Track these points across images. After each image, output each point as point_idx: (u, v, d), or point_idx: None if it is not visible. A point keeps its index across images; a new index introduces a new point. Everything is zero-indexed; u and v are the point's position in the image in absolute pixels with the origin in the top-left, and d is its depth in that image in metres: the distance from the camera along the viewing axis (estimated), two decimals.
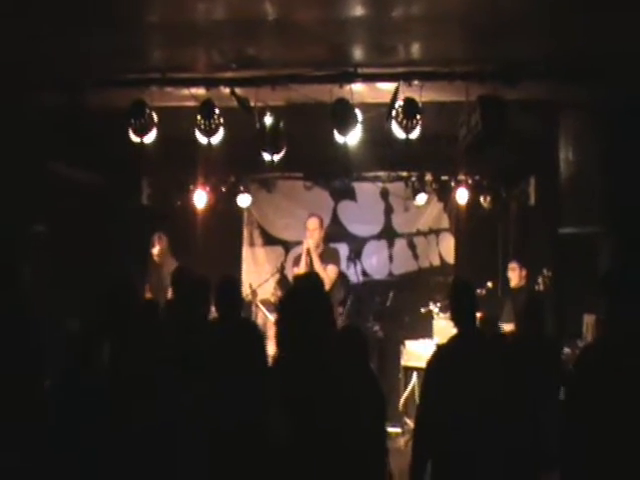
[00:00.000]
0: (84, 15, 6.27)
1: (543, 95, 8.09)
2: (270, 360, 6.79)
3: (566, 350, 7.82)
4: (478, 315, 6.74)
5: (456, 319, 5.83)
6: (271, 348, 7.36)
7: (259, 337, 6.62)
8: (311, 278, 5.45)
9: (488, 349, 5.81)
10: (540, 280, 9.45)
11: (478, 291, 9.48)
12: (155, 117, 7.97)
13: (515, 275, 9.81)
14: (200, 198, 10.70)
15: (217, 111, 7.92)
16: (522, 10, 6.18)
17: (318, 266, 9.30)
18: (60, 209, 9.01)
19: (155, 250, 10.03)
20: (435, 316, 9.69)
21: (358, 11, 6.38)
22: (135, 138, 7.99)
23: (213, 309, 6.75)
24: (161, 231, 10.15)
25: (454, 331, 5.80)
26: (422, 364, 6.47)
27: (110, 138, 8.59)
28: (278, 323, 4.29)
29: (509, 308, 9.21)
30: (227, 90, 7.81)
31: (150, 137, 8.04)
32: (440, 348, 6.08)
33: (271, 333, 9.32)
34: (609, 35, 6.55)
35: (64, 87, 7.70)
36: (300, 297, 4.19)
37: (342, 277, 9.93)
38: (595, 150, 8.11)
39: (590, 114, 8.09)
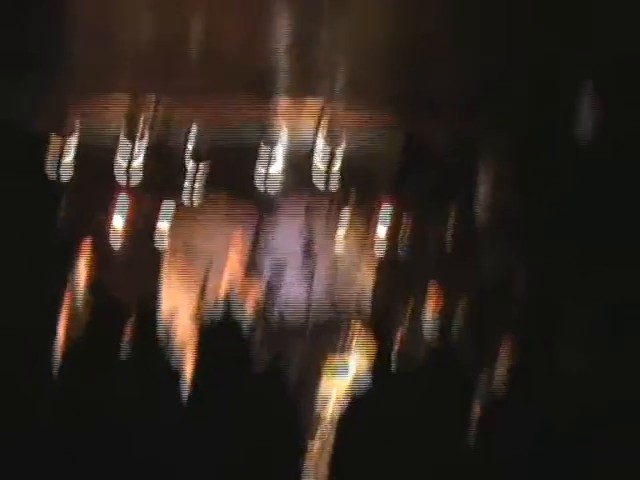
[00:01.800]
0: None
1: (463, 130, 8.15)
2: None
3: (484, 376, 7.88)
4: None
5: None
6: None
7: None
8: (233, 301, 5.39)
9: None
10: (459, 309, 9.48)
11: (401, 313, 9.48)
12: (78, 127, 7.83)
13: (433, 302, 9.83)
14: (121, 212, 10.51)
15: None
16: (443, 41, 6.24)
17: (241, 282, 9.24)
18: None
19: (84, 257, 9.84)
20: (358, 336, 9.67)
21: (283, 39, 6.37)
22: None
23: None
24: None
25: None
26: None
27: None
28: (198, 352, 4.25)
29: (430, 329, 9.24)
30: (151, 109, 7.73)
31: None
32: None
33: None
34: (527, 70, 6.65)
35: None
36: (223, 322, 4.16)
37: (264, 295, 9.88)
38: (513, 185, 8.23)
39: (508, 150, 8.19)
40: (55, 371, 6.02)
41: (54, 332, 8.97)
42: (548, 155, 7.23)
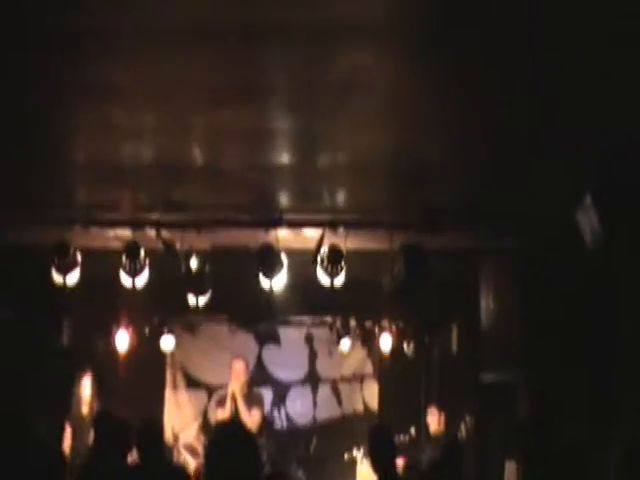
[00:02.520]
0: (6, 153, 6.07)
1: (464, 243, 8.09)
2: None
3: None
4: (400, 461, 6.58)
5: (374, 467, 5.70)
6: None
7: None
8: (237, 423, 5.29)
9: None
10: (462, 426, 9.34)
11: (401, 437, 9.34)
12: (79, 257, 7.66)
13: (434, 420, 9.70)
14: (122, 339, 10.40)
15: (142, 253, 7.71)
16: (442, 161, 6.25)
17: (243, 410, 9.09)
18: None
19: (85, 384, 9.69)
20: (359, 462, 9.52)
21: (284, 159, 6.27)
22: (58, 278, 7.78)
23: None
24: (87, 371, 9.87)
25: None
26: None
27: (31, 276, 8.38)
28: (206, 468, 4.11)
29: (429, 454, 9.07)
30: (153, 232, 7.66)
31: (73, 278, 7.73)
32: None
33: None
34: (525, 187, 6.68)
35: None
36: (228, 441, 4.01)
37: (265, 422, 9.70)
38: (514, 297, 8.16)
39: (509, 262, 8.17)
40: None
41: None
42: (555, 271, 7.21)
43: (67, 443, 9.26)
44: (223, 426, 5.15)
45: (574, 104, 4.96)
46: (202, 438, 10.41)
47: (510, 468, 8.03)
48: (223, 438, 4.08)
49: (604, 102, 4.91)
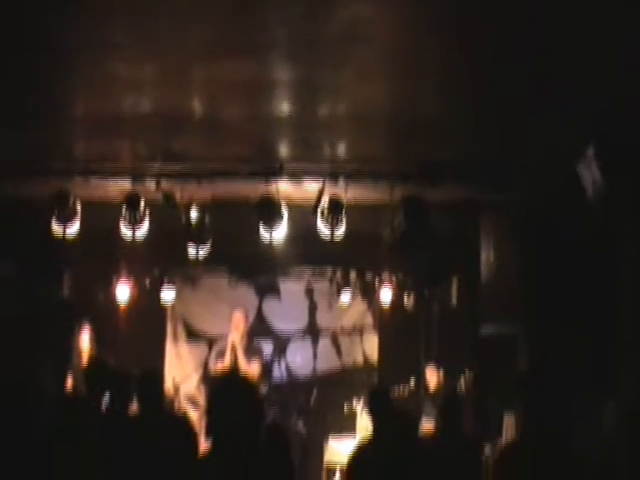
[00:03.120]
0: (7, 105, 6.05)
1: (464, 196, 8.03)
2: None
3: (487, 450, 7.76)
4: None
5: (373, 424, 5.82)
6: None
7: (186, 431, 6.43)
8: (239, 374, 5.37)
9: (403, 449, 5.75)
10: (462, 380, 9.44)
11: (400, 391, 9.44)
12: (79, 208, 7.66)
13: (433, 379, 9.77)
14: (123, 292, 10.48)
15: (142, 204, 7.67)
16: (442, 113, 6.25)
17: (242, 361, 9.17)
18: None
19: (84, 337, 9.77)
20: (359, 413, 9.59)
21: (284, 109, 6.24)
22: (58, 229, 7.78)
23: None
24: (86, 324, 9.95)
25: None
26: (345, 461, 6.37)
27: (32, 228, 8.43)
28: (208, 418, 4.19)
29: (429, 407, 9.17)
30: (153, 183, 7.61)
31: (73, 229, 7.72)
32: (359, 447, 6.00)
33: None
34: (526, 139, 6.69)
35: None
36: (231, 390, 4.09)
37: (264, 373, 9.80)
38: (514, 250, 8.18)
39: (509, 215, 8.18)
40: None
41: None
42: (555, 223, 7.23)
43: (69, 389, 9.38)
44: (225, 377, 5.24)
45: (574, 55, 4.91)
46: (202, 389, 10.51)
47: (509, 420, 8.14)
48: (225, 388, 4.15)
49: (604, 53, 4.91)
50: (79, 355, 9.62)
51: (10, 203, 7.68)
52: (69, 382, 9.42)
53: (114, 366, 7.35)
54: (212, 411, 4.05)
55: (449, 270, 10.05)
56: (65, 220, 7.70)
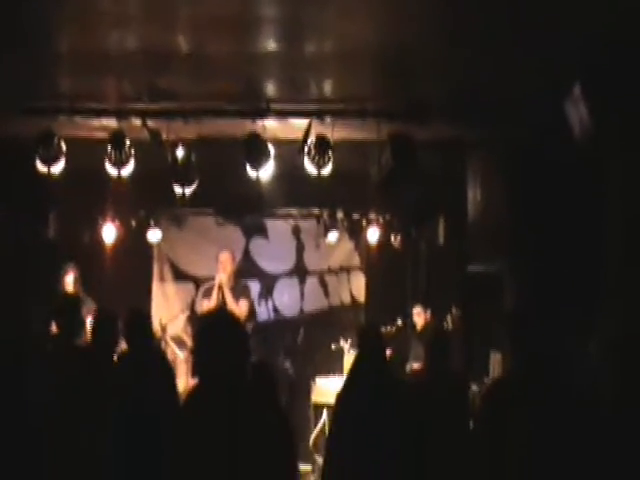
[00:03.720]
0: None
1: (451, 135, 8.06)
2: (182, 393, 6.74)
3: (474, 387, 7.90)
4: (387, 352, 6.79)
5: (362, 357, 5.90)
6: (180, 384, 7.31)
7: (168, 369, 6.56)
8: (226, 311, 5.44)
9: (391, 386, 5.86)
10: (449, 319, 9.56)
11: (388, 329, 9.56)
12: (64, 147, 7.61)
13: (420, 319, 9.84)
14: (109, 232, 10.34)
15: (128, 143, 7.62)
16: (428, 50, 6.21)
17: (230, 301, 9.22)
18: None
19: (69, 279, 9.83)
20: (346, 352, 9.68)
21: (270, 46, 6.19)
22: (42, 168, 7.68)
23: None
24: (71, 265, 9.99)
25: None
26: (332, 401, 6.46)
27: (16, 168, 8.41)
28: (195, 354, 4.22)
29: (417, 346, 9.29)
30: (138, 122, 7.54)
31: (58, 168, 7.61)
32: (346, 384, 6.11)
33: (180, 369, 9.29)
34: (513, 76, 6.71)
35: None
36: (218, 328, 4.13)
37: (251, 312, 9.90)
38: (500, 189, 8.22)
39: (496, 153, 8.22)
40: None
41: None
42: (541, 162, 7.26)
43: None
44: (211, 314, 5.28)
45: None
46: (189, 330, 10.58)
47: (495, 358, 8.26)
48: (211, 326, 4.20)
49: None
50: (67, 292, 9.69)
51: None
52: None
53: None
54: (198, 348, 4.09)
55: (436, 209, 10.12)
56: (50, 159, 7.68)
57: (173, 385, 6.42)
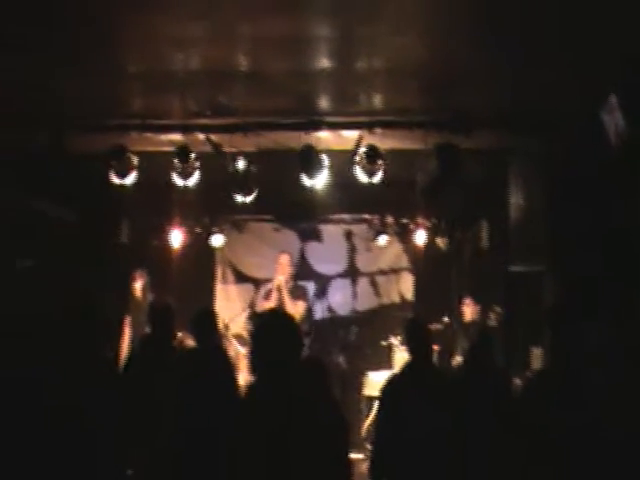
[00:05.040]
0: (71, 62, 6.14)
1: (494, 143, 8.08)
2: (242, 389, 6.76)
3: (516, 381, 7.79)
4: (434, 347, 6.73)
5: (410, 351, 5.84)
6: (242, 378, 7.32)
7: (228, 365, 6.57)
8: (282, 311, 5.44)
9: (437, 379, 5.79)
10: (491, 315, 9.46)
11: (435, 326, 9.49)
12: (135, 161, 7.85)
13: (469, 310, 9.81)
14: (176, 238, 10.43)
15: (193, 155, 7.80)
16: (473, 64, 6.22)
17: (288, 301, 9.26)
18: (44, 246, 8.89)
19: (137, 284, 9.93)
20: (395, 348, 9.64)
21: (324, 63, 6.30)
22: (116, 180, 7.90)
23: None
24: (141, 269, 10.11)
25: None
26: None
27: (92, 180, 8.55)
28: (251, 353, 4.22)
29: (462, 341, 9.21)
30: (202, 136, 7.71)
31: (130, 179, 7.86)
32: (393, 376, 6.05)
33: (242, 365, 9.30)
34: (553, 87, 6.64)
35: (49, 129, 7.55)
36: (272, 327, 4.12)
37: (308, 312, 9.91)
38: (540, 193, 8.14)
39: (537, 162, 8.14)
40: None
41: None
42: (579, 168, 7.16)
43: (126, 332, 9.58)
44: (265, 314, 5.26)
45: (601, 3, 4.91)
46: (250, 328, 10.63)
47: (536, 353, 8.17)
48: (265, 325, 4.20)
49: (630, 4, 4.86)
50: (135, 297, 9.80)
51: (73, 156, 7.77)
52: (127, 322, 9.61)
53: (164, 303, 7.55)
54: (253, 347, 4.09)
55: (480, 213, 10.04)
56: (122, 172, 7.83)
57: (234, 379, 6.41)
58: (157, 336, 6.60)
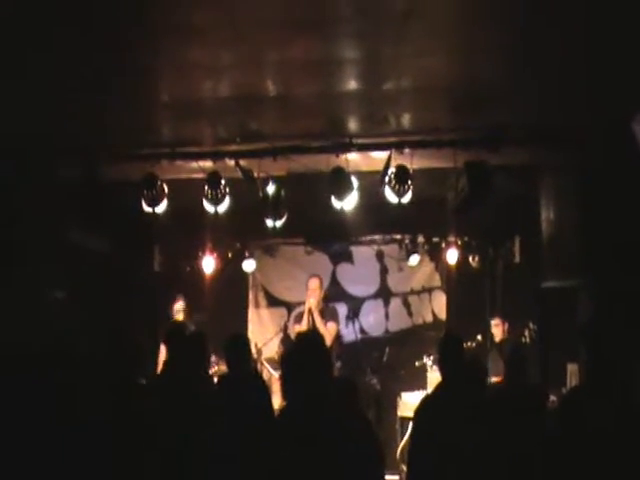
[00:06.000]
0: (102, 92, 6.20)
1: (524, 160, 8.05)
2: (277, 410, 6.74)
3: (552, 398, 7.72)
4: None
5: (442, 368, 5.79)
6: (276, 402, 7.31)
7: (264, 389, 6.56)
8: (312, 334, 5.43)
9: (472, 397, 5.73)
10: (526, 333, 9.40)
11: (468, 344, 9.43)
12: (166, 189, 7.91)
13: (498, 330, 9.59)
14: (208, 264, 10.39)
15: (223, 182, 7.84)
16: (501, 81, 6.16)
17: (319, 323, 9.25)
18: (78, 276, 8.97)
19: (178, 306, 10.00)
20: (429, 369, 9.56)
21: (352, 86, 6.33)
22: (147, 208, 7.96)
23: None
24: (178, 294, 10.17)
25: None
26: None
27: (125, 209, 8.62)
28: (281, 377, 4.23)
29: (496, 360, 9.14)
30: (232, 162, 7.74)
31: (161, 207, 7.92)
32: (427, 396, 6.01)
33: (276, 388, 9.30)
34: (584, 103, 6.61)
35: (80, 159, 7.66)
36: (303, 351, 4.13)
37: (341, 335, 9.91)
38: (573, 209, 8.08)
39: (568, 177, 8.09)
40: None
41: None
42: (612, 181, 7.10)
43: (161, 358, 9.59)
44: (302, 336, 5.25)
45: (632, 21, 4.88)
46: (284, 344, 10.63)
47: (572, 369, 8.08)
48: (301, 346, 4.20)
49: None
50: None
51: (105, 185, 7.85)
52: (162, 347, 9.62)
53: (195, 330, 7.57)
54: (283, 372, 4.09)
55: (511, 230, 9.99)
56: (154, 200, 7.90)
57: (269, 402, 6.41)
58: (191, 364, 6.61)
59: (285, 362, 4.20)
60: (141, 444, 4.99)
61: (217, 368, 8.79)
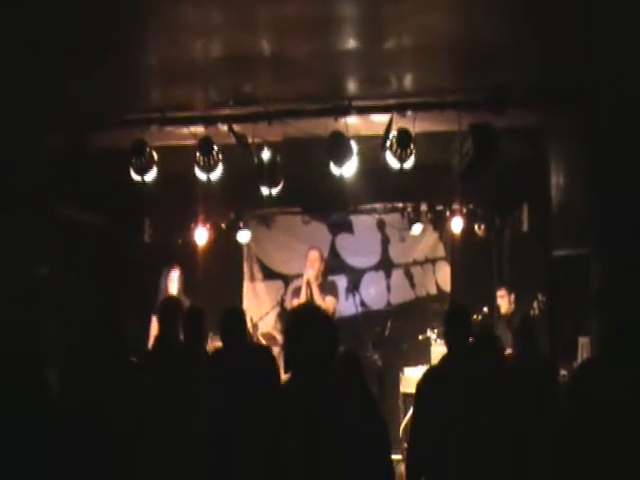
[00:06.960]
0: (86, 57, 6.10)
1: (531, 122, 7.92)
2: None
3: (563, 372, 7.76)
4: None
5: (448, 340, 5.78)
6: None
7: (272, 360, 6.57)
8: (315, 306, 5.44)
9: (479, 369, 5.74)
10: (535, 305, 9.41)
11: (475, 317, 9.44)
12: (155, 156, 7.76)
13: (504, 302, 9.44)
14: (201, 235, 10.21)
15: (216, 148, 7.71)
16: (505, 40, 6.03)
17: (318, 297, 9.21)
18: (66, 249, 8.97)
19: (173, 274, 9.92)
20: (433, 343, 9.53)
21: (350, 44, 6.19)
22: (136, 177, 7.82)
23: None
24: (173, 267, 10.15)
25: None
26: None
27: (112, 178, 8.48)
28: (285, 348, 4.24)
29: (503, 334, 9.16)
30: (225, 127, 7.61)
31: (151, 176, 7.77)
32: (430, 368, 6.01)
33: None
34: (592, 62, 6.58)
35: (66, 128, 7.57)
36: (308, 322, 4.14)
37: (341, 308, 9.91)
38: (583, 174, 8.04)
39: (577, 139, 8.06)
40: None
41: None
42: (621, 143, 7.07)
43: (154, 332, 9.64)
44: (298, 310, 5.26)
45: None
46: (279, 326, 10.63)
47: (583, 342, 8.10)
48: (299, 320, 4.21)
49: None
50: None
51: (93, 154, 7.83)
52: (154, 321, 9.66)
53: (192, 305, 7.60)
54: (287, 343, 4.10)
55: (519, 196, 9.96)
56: (143, 168, 7.85)
57: (276, 374, 6.43)
58: (187, 339, 6.65)
59: (290, 333, 4.21)
60: (133, 426, 5.03)
61: (211, 344, 8.82)
